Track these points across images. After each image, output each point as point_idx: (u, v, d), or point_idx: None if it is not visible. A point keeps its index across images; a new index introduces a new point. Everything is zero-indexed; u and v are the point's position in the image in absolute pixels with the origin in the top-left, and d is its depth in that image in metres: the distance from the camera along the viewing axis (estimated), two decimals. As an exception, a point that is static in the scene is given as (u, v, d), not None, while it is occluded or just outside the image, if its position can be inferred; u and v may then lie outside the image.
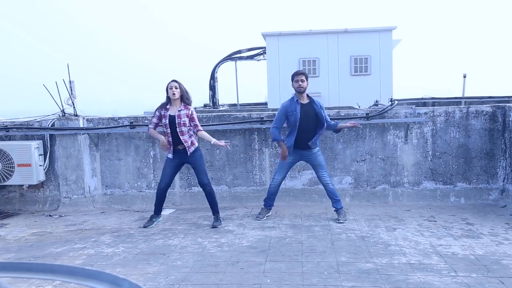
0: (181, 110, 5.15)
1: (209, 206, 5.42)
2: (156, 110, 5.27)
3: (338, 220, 5.30)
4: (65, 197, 6.54)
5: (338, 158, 6.36)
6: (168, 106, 5.19)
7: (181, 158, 5.21)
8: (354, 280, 3.63)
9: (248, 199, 6.42)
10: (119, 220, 5.77)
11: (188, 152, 5.13)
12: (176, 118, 5.09)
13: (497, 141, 6.17)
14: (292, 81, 5.32)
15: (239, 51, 14.02)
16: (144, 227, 5.32)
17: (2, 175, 6.23)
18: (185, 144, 5.12)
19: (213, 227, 5.24)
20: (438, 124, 6.22)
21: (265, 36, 13.33)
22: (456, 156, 6.23)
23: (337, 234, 4.87)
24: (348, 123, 5.43)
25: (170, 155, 5.21)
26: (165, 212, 6.10)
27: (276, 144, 6.42)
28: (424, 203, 6.15)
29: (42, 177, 6.39)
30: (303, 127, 5.22)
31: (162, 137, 5.24)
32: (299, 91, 5.28)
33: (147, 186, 6.56)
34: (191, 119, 5.19)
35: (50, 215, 6.18)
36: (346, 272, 3.80)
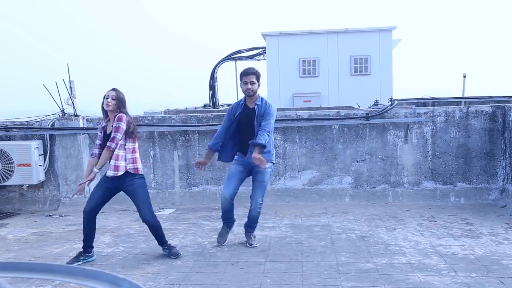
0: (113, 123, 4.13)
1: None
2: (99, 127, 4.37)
3: (249, 244, 4.53)
4: (65, 197, 6.54)
5: (338, 158, 6.36)
6: (104, 123, 4.28)
7: (114, 182, 4.19)
8: (354, 280, 3.63)
9: (248, 199, 6.40)
10: (119, 220, 5.77)
11: (115, 173, 4.10)
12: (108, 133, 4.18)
13: (497, 141, 6.17)
14: (241, 82, 4.40)
15: (239, 51, 14.04)
16: (67, 263, 4.04)
17: (2, 175, 6.23)
18: (111, 162, 4.10)
19: (175, 256, 4.27)
20: (438, 124, 6.22)
21: (265, 36, 13.33)
22: (456, 156, 6.23)
23: (337, 234, 4.87)
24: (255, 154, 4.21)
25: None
26: (165, 212, 6.11)
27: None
28: (424, 203, 6.15)
29: (42, 177, 6.39)
30: (243, 133, 4.43)
31: (86, 176, 4.24)
32: (248, 95, 4.37)
33: (147, 186, 6.54)
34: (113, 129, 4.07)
35: (50, 215, 6.18)
36: (346, 272, 3.80)
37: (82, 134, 6.49)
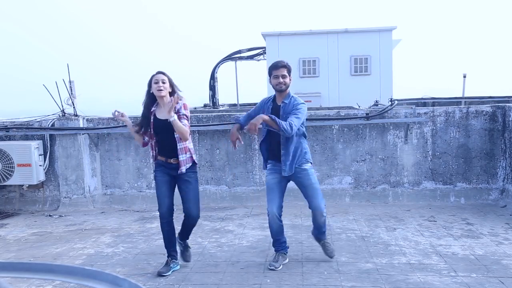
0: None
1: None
2: (144, 118, 3.92)
3: (328, 252, 4.11)
4: (65, 197, 6.54)
5: (338, 158, 6.36)
6: (153, 108, 3.88)
7: (172, 174, 3.90)
8: (354, 280, 3.63)
9: (248, 199, 6.42)
10: (119, 220, 5.77)
11: (180, 170, 3.81)
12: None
13: (497, 141, 6.17)
14: (270, 77, 3.97)
15: (239, 51, 14.04)
16: (159, 274, 3.88)
17: (2, 175, 6.23)
18: (180, 157, 3.79)
19: (184, 259, 4.07)
20: (438, 124, 6.22)
21: (265, 36, 13.33)
22: (456, 156, 6.23)
23: (337, 234, 4.87)
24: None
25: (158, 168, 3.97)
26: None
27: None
28: (424, 203, 6.15)
29: (42, 177, 6.39)
30: (272, 136, 3.95)
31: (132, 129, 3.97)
32: (280, 89, 3.92)
33: (147, 186, 6.55)
34: (178, 118, 3.72)
35: (50, 215, 6.18)
36: (346, 272, 3.80)
37: (82, 134, 6.49)
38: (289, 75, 3.94)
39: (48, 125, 6.48)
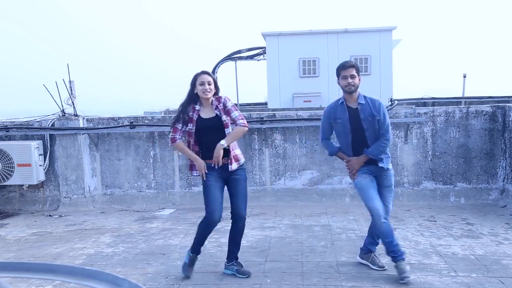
0: (217, 106, 3.70)
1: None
2: (182, 113, 3.70)
3: (403, 277, 3.58)
4: (65, 197, 6.54)
5: (338, 158, 6.35)
6: (197, 107, 3.72)
7: (223, 173, 3.69)
8: (354, 280, 3.63)
9: (248, 199, 6.39)
10: (119, 220, 5.77)
11: (231, 168, 3.65)
12: (219, 119, 3.66)
13: (497, 141, 6.17)
14: (339, 78, 3.84)
15: (239, 51, 14.06)
16: (186, 276, 3.77)
17: (2, 175, 6.23)
18: (231, 153, 3.67)
19: (246, 275, 3.76)
20: (438, 124, 6.22)
21: (265, 36, 13.34)
22: (456, 156, 6.23)
23: (337, 234, 4.87)
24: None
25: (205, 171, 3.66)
26: (165, 212, 6.11)
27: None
28: (424, 203, 6.15)
29: (42, 177, 6.39)
30: (356, 139, 3.86)
31: (199, 159, 3.66)
32: (349, 91, 3.76)
33: (147, 186, 6.55)
34: (227, 112, 3.67)
35: (50, 215, 6.18)
36: (346, 272, 3.80)
37: (82, 134, 6.49)
38: (358, 75, 3.80)
39: (48, 125, 6.48)
